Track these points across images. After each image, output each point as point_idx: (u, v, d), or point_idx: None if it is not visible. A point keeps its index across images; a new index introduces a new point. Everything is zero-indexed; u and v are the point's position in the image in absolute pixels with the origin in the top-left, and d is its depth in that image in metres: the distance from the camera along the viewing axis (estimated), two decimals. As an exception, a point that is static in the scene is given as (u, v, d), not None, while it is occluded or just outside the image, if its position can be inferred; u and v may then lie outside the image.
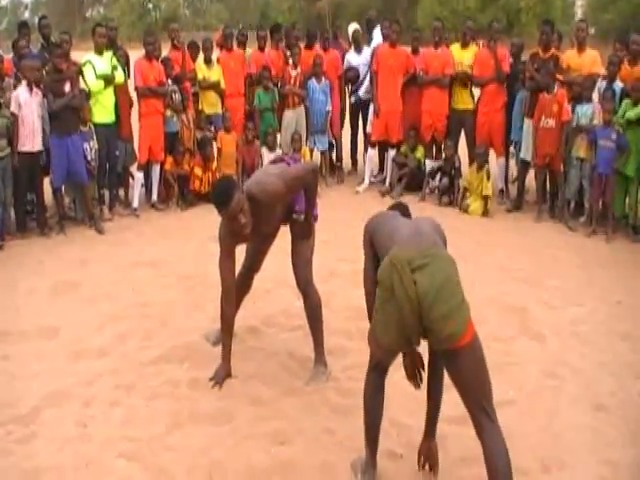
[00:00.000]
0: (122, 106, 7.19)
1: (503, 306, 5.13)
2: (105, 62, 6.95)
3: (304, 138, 8.47)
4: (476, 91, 8.21)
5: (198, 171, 7.65)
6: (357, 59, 8.85)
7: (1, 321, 4.80)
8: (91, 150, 6.87)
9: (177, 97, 7.57)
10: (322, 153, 8.81)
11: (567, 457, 3.40)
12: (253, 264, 4.39)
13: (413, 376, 2.99)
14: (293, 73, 8.30)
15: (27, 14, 58.16)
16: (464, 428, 3.49)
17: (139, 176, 7.52)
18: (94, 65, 6.84)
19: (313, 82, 8.37)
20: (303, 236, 4.07)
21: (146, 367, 4.21)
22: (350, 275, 5.69)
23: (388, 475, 3.21)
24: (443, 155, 8.34)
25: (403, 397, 3.55)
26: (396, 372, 3.14)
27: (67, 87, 6.44)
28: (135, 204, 7.48)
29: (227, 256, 3.88)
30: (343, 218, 7.23)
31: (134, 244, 6.52)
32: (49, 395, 3.84)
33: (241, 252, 4.20)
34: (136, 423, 3.63)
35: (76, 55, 7.25)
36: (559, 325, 4.89)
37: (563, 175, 7.31)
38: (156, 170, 7.56)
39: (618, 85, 7.13)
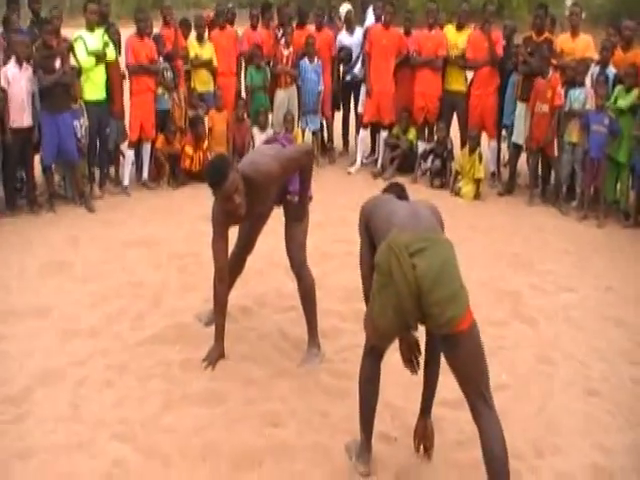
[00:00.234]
0: (114, 83, 7.08)
1: (496, 290, 5.14)
2: (96, 39, 6.83)
3: (296, 118, 8.40)
4: (469, 73, 8.16)
5: (189, 150, 7.57)
6: (349, 39, 8.76)
7: (-8, 300, 4.76)
8: (81, 127, 6.78)
9: (169, 75, 7.47)
10: (314, 133, 8.75)
11: (560, 442, 3.42)
12: (246, 245, 4.36)
13: (409, 361, 2.99)
14: (285, 52, 8.22)
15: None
16: (460, 412, 3.51)
17: (130, 154, 7.44)
18: (85, 41, 6.73)
19: (305, 62, 8.29)
20: (297, 218, 4.04)
21: (138, 347, 4.19)
22: (343, 256, 5.68)
23: (382, 458, 3.21)
24: (435, 137, 8.31)
25: (397, 380, 3.54)
26: (392, 355, 3.14)
27: (57, 64, 6.33)
28: (126, 182, 7.41)
29: (220, 237, 3.84)
30: (335, 199, 7.20)
31: (125, 223, 6.46)
32: (41, 375, 3.81)
33: (234, 233, 4.17)
34: (129, 404, 3.62)
35: (65, 32, 7.11)
36: (552, 310, 4.91)
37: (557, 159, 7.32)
38: (147, 148, 7.48)
39: (611, 70, 7.12)
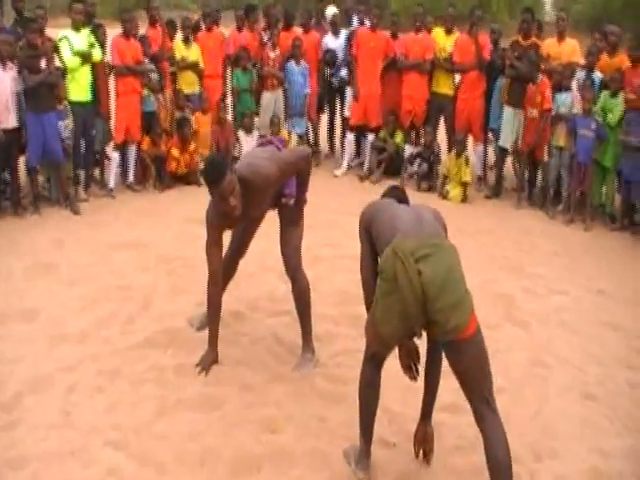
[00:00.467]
0: (100, 84, 6.98)
1: (488, 294, 5.13)
2: (82, 39, 6.72)
3: (282, 121, 8.35)
4: (457, 77, 8.18)
5: (175, 152, 7.49)
6: (335, 42, 8.73)
7: (-23, 304, 4.65)
8: (66, 128, 6.67)
9: (155, 76, 7.39)
10: (300, 136, 8.70)
11: (558, 445, 3.41)
12: (239, 248, 4.31)
13: (409, 368, 2.96)
14: (272, 54, 8.17)
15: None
16: (458, 416, 3.51)
17: (115, 156, 7.33)
18: (71, 41, 6.62)
19: (292, 64, 8.25)
20: (293, 221, 4.00)
21: (129, 352, 4.11)
22: (334, 260, 5.65)
23: (381, 464, 3.18)
24: (422, 141, 8.31)
25: (395, 385, 3.50)
26: (389, 360, 3.09)
27: (43, 63, 6.22)
28: (111, 185, 7.30)
29: (214, 241, 3.78)
30: (322, 202, 7.15)
31: (111, 225, 6.36)
32: (31, 381, 3.72)
33: (226, 235, 4.11)
34: (121, 410, 3.54)
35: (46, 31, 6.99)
36: (544, 313, 4.92)
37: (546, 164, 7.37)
38: (133, 150, 7.39)
39: (597, 75, 7.18)
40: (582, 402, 3.84)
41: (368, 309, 2.96)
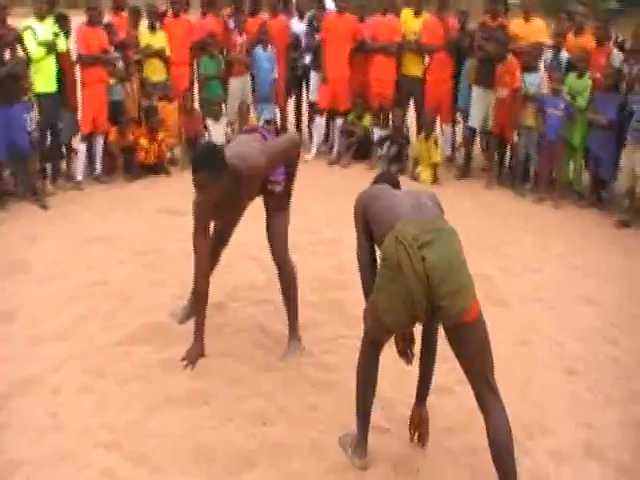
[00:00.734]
0: (67, 75, 6.79)
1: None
2: (46, 28, 6.52)
3: (252, 107, 8.27)
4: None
5: (144, 142, 7.34)
6: (299, 26, 8.65)
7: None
8: (32, 121, 6.47)
9: (121, 65, 7.23)
10: (267, 122, 8.60)
11: (548, 422, 3.47)
12: (222, 237, 4.24)
13: (404, 353, 2.98)
14: (239, 40, 8.05)
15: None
16: (447, 398, 3.57)
17: (82, 148, 7.16)
18: (35, 31, 6.41)
19: (259, 49, 8.15)
20: (280, 207, 3.97)
21: (112, 349, 4.02)
22: (309, 246, 5.63)
23: (376, 449, 3.18)
24: (391, 123, 8.30)
25: (386, 370, 3.50)
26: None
27: (7, 54, 6.02)
28: (79, 177, 7.13)
29: (201, 231, 3.71)
30: (294, 188, 7.11)
31: (82, 219, 6.21)
32: (15, 383, 3.62)
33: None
34: (110, 409, 3.47)
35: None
36: (522, 292, 4.99)
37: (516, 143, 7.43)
38: (100, 141, 7.22)
39: (564, 55, 7.25)
40: (566, 377, 3.92)
41: (366, 297, 2.95)
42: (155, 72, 7.72)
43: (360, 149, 8.36)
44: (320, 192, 7.07)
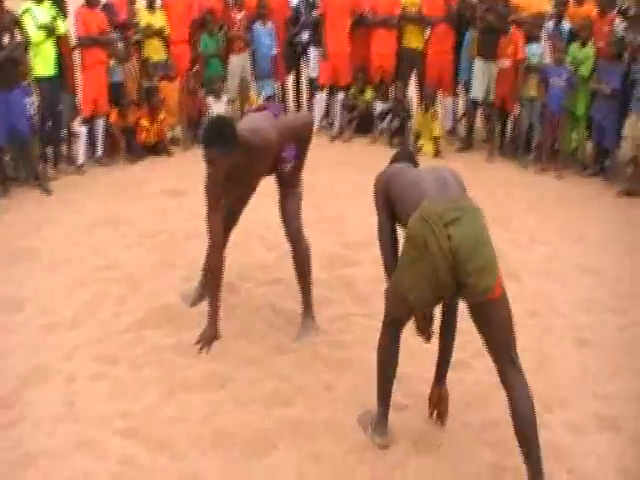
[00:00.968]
0: (66, 58, 6.69)
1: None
2: (44, 11, 6.40)
3: (252, 84, 8.19)
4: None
5: (145, 122, 7.27)
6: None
7: (-43, 295, 4.48)
8: (32, 105, 6.39)
9: (120, 45, 7.13)
10: (268, 98, 8.53)
11: (564, 394, 3.50)
12: (232, 217, 4.18)
13: (424, 330, 2.97)
14: (238, 16, 7.93)
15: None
16: (464, 374, 3.57)
17: (83, 130, 7.09)
18: (34, 14, 6.30)
19: (258, 25, 8.04)
20: (292, 184, 3.94)
21: (124, 335, 4.02)
22: (316, 224, 5.56)
23: (396, 426, 3.20)
24: (393, 96, 8.22)
25: (403, 345, 3.52)
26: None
27: (6, 38, 5.91)
28: (81, 160, 7.06)
29: (215, 210, 3.67)
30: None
31: (86, 204, 6.17)
32: (28, 373, 3.61)
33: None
34: (126, 396, 3.47)
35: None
36: (531, 264, 4.99)
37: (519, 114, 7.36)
38: (100, 123, 7.15)
39: (566, 25, 7.16)
40: (577, 349, 3.94)
41: (389, 276, 2.93)
42: (156, 52, 7.60)
43: (362, 123, 8.29)
44: (323, 168, 7.02)
